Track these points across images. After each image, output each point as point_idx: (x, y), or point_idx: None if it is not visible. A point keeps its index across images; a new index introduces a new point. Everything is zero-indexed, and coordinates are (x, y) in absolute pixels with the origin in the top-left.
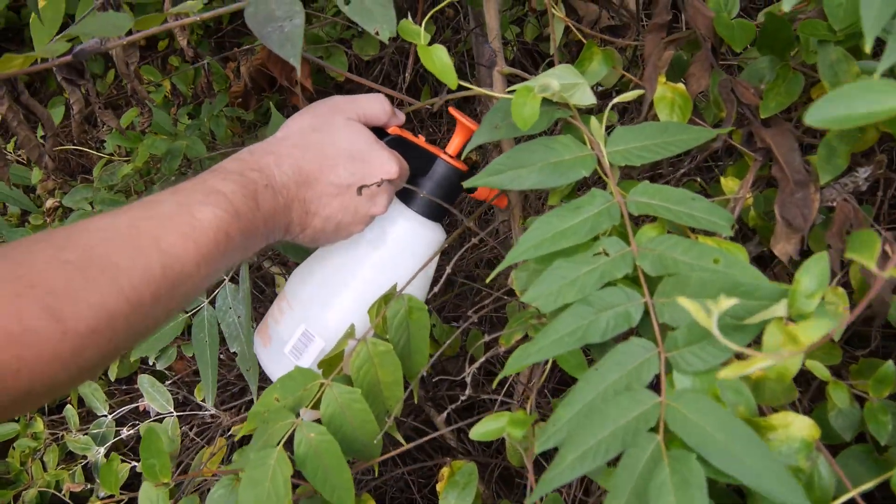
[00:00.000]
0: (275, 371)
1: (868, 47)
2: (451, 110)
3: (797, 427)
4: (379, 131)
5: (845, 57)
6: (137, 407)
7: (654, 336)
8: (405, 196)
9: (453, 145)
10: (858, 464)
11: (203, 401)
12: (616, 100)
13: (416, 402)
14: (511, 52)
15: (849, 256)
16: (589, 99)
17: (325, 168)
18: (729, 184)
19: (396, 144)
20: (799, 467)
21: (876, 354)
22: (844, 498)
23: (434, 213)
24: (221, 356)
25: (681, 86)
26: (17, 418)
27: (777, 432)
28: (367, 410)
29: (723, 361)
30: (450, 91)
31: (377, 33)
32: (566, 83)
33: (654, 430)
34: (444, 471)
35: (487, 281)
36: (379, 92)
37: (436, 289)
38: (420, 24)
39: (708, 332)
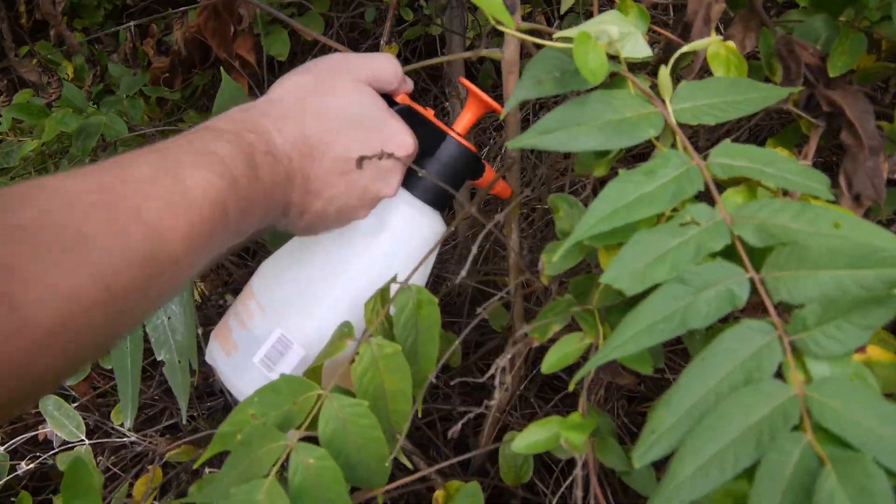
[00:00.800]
0: (241, 385)
1: None
2: (463, 80)
3: None
4: (385, 99)
5: None
6: (36, 436)
7: (769, 316)
8: (407, 179)
9: (462, 123)
10: None
11: (121, 425)
12: (686, 48)
13: (419, 415)
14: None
15: None
16: (644, 50)
17: (330, 138)
18: (780, 153)
19: (405, 116)
20: None
21: None
22: None
23: (437, 200)
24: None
25: (731, 43)
26: None
27: None
28: (376, 426)
29: (864, 341)
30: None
31: None
32: (621, 31)
33: (797, 428)
34: (439, 494)
35: (540, 266)
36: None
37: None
38: None
39: (850, 307)
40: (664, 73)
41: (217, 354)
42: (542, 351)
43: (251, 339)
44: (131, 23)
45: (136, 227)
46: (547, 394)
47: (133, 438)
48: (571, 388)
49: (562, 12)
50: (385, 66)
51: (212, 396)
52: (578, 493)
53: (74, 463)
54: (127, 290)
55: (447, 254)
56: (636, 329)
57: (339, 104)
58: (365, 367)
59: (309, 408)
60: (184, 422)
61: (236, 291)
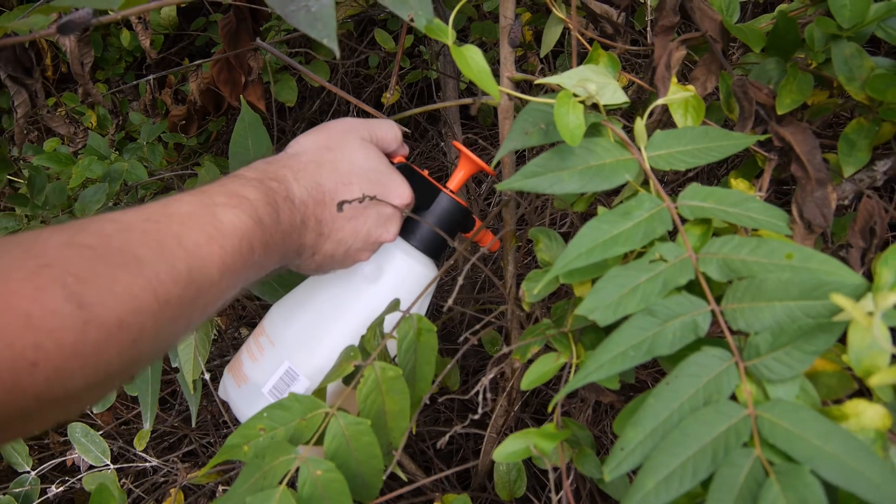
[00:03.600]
0: (250, 413)
1: None
2: (456, 144)
3: (869, 416)
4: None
5: (859, 52)
6: (64, 461)
7: (726, 345)
8: (403, 229)
9: (455, 180)
10: None
11: (143, 451)
12: (660, 101)
13: (413, 433)
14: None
15: None
16: (621, 97)
17: (340, 187)
18: (739, 185)
19: (404, 173)
20: None
21: None
22: None
23: (432, 249)
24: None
25: (691, 87)
26: None
27: (850, 422)
28: (375, 444)
29: (809, 365)
30: (467, 94)
31: (412, 20)
32: (599, 83)
33: (748, 444)
34: None
35: (522, 294)
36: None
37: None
38: (447, 23)
39: (797, 335)
40: (640, 124)
41: (229, 386)
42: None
43: (261, 371)
44: (151, 76)
45: (179, 252)
46: (542, 415)
47: (154, 464)
48: (550, 409)
49: (541, 55)
50: (387, 130)
51: (227, 426)
52: (553, 496)
53: (100, 487)
54: (172, 304)
55: (447, 284)
56: (609, 356)
57: (349, 159)
58: (369, 388)
59: (317, 424)
60: (193, 416)
61: (249, 324)
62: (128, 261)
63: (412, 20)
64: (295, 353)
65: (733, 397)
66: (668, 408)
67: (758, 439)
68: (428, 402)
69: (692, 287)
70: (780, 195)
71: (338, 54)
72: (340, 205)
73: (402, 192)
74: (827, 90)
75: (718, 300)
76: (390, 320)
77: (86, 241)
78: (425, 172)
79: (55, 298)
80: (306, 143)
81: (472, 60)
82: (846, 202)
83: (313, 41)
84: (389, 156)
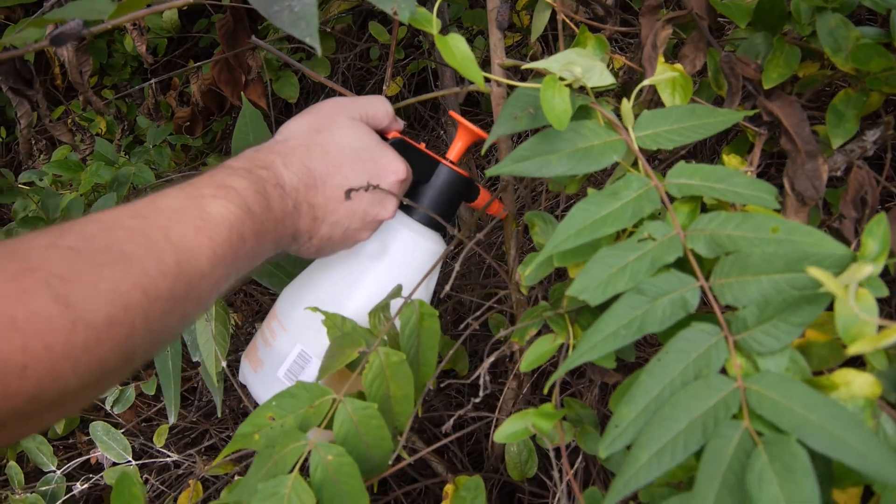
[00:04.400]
0: (267, 397)
1: None
2: (452, 114)
3: (858, 384)
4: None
5: (844, 23)
6: (88, 460)
7: (715, 320)
8: (406, 204)
9: (454, 151)
10: None
11: (164, 447)
12: (646, 82)
13: (419, 416)
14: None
15: None
16: (608, 78)
17: (331, 170)
18: (732, 161)
19: (400, 147)
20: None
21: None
22: None
23: (435, 222)
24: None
25: (679, 65)
26: None
27: (839, 391)
28: (384, 427)
29: (796, 337)
30: (461, 83)
31: (395, 13)
32: (585, 65)
33: (737, 416)
34: (448, 488)
35: (519, 277)
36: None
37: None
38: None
39: (783, 307)
40: (626, 105)
41: (247, 372)
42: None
43: (275, 355)
44: (152, 80)
45: (167, 246)
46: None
47: (175, 458)
48: (546, 390)
49: (532, 40)
50: (377, 106)
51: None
52: (555, 473)
53: (122, 477)
54: (163, 298)
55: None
56: (601, 336)
57: (339, 140)
58: (374, 374)
59: (325, 411)
60: (219, 408)
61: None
62: (114, 258)
63: (395, 13)
64: (306, 336)
65: (724, 371)
66: (659, 384)
67: (746, 411)
68: (441, 386)
69: (682, 264)
70: (779, 168)
71: (318, 52)
72: (348, 193)
73: (395, 168)
74: (818, 62)
75: (708, 276)
76: (396, 304)
77: (70, 243)
78: (422, 145)
79: (41, 300)
80: (294, 128)
81: (455, 49)
82: (839, 173)
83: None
84: (382, 132)
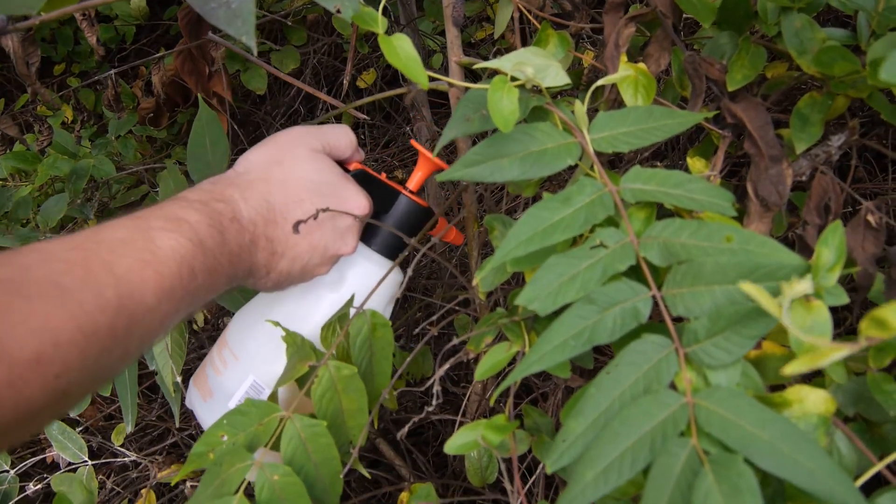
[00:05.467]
0: None
1: None
2: (414, 143)
3: (812, 401)
4: (340, 166)
5: (810, 24)
6: (45, 459)
7: (667, 331)
8: (364, 234)
9: (414, 180)
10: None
11: (121, 446)
12: (601, 81)
13: (376, 427)
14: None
15: None
16: (563, 79)
17: (291, 204)
18: (696, 164)
19: (360, 180)
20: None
21: (854, 331)
22: (872, 472)
23: (394, 253)
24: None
25: (642, 65)
26: None
27: (792, 408)
28: (332, 445)
29: (749, 350)
30: (403, 81)
31: (338, 11)
32: (538, 65)
33: (685, 433)
34: (403, 496)
35: (475, 283)
36: (315, 96)
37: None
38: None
39: (735, 319)
40: (579, 106)
41: (195, 399)
42: (511, 363)
43: (226, 385)
44: (111, 71)
45: (108, 279)
46: (519, 398)
47: (132, 459)
48: (492, 402)
49: (495, 37)
50: (340, 137)
51: None
52: (508, 485)
53: (61, 489)
54: (100, 334)
55: (420, 270)
56: (550, 346)
57: (300, 174)
58: (324, 388)
59: (273, 429)
60: (176, 417)
61: (231, 315)
62: (47, 291)
63: (338, 11)
64: (259, 366)
65: (674, 385)
66: (608, 397)
67: (694, 428)
68: (407, 386)
69: (635, 273)
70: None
71: (255, 51)
72: (296, 226)
73: (357, 204)
74: (787, 62)
75: (661, 286)
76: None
77: (4, 274)
78: (383, 176)
79: None
80: (254, 159)
81: (400, 49)
82: (804, 178)
83: (285, 27)
84: (344, 162)
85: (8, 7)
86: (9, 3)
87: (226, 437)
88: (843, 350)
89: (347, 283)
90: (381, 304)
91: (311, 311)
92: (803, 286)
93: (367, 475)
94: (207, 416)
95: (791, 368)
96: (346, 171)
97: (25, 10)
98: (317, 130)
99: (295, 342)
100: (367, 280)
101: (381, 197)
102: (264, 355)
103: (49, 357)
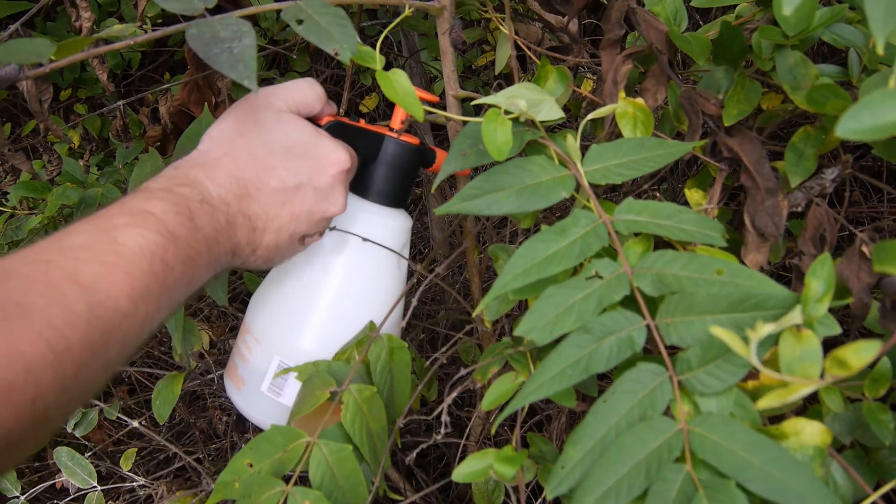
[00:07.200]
0: (256, 415)
1: (880, 48)
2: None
3: (809, 433)
4: (312, 122)
5: (803, 60)
6: (54, 484)
7: (662, 359)
8: (358, 187)
9: (397, 119)
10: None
11: (130, 470)
12: (592, 115)
13: (399, 445)
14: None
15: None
16: (557, 113)
17: (263, 174)
18: (694, 195)
19: (337, 131)
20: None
21: None
22: (868, 501)
23: (395, 198)
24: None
25: (640, 100)
26: None
27: (789, 440)
28: (358, 471)
29: (741, 378)
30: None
31: (336, 53)
32: (532, 99)
33: (680, 459)
34: None
35: (475, 313)
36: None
37: (403, 322)
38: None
39: (726, 349)
40: (571, 141)
41: (231, 390)
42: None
43: (254, 370)
44: (119, 102)
45: (74, 290)
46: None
47: (140, 482)
48: (493, 431)
49: (496, 72)
50: (306, 91)
51: (217, 439)
52: None
53: None
54: (74, 350)
55: (423, 296)
56: (548, 375)
57: (267, 140)
58: (353, 412)
59: (298, 455)
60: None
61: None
62: (10, 313)
63: (337, 53)
64: (282, 346)
65: (669, 412)
66: (605, 425)
67: (689, 454)
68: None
69: (629, 302)
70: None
71: (255, 93)
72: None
73: (335, 159)
74: (782, 94)
75: (655, 315)
76: (371, 309)
77: None
78: (362, 122)
79: None
80: (216, 134)
81: (397, 84)
82: (799, 209)
83: (289, 51)
84: (315, 118)
85: (19, 56)
86: (20, 52)
87: (252, 466)
88: (810, 386)
89: (351, 243)
90: (394, 255)
91: (321, 280)
92: (766, 328)
93: (399, 497)
94: (245, 405)
95: (763, 403)
96: (318, 126)
97: (37, 59)
98: (278, 89)
99: (307, 371)
100: (373, 234)
101: (365, 145)
102: (285, 334)
103: (21, 384)
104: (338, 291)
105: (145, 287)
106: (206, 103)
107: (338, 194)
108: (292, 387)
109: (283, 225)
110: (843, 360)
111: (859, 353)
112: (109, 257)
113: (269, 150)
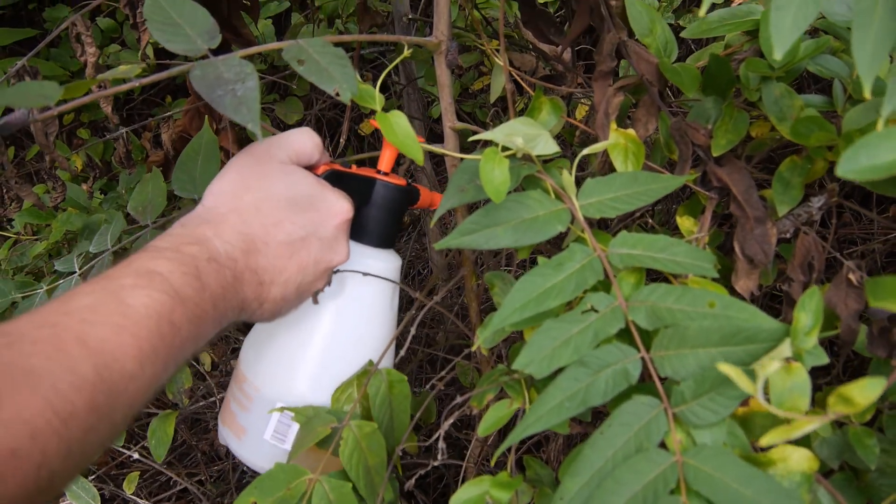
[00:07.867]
0: (260, 462)
1: (867, 92)
2: (373, 122)
3: (796, 460)
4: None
5: (788, 92)
6: None
7: (657, 392)
8: (353, 232)
9: (384, 161)
10: (842, 492)
11: (133, 493)
12: (585, 151)
13: (400, 473)
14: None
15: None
16: (552, 147)
17: (270, 228)
18: (685, 223)
19: (334, 180)
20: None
21: (836, 382)
22: None
23: (387, 239)
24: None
25: (631, 131)
26: None
27: (777, 467)
28: None
29: (733, 410)
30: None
31: (337, 94)
32: (528, 134)
33: (675, 491)
34: None
35: (474, 348)
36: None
37: (402, 352)
38: (375, 87)
39: (719, 381)
40: (567, 176)
41: (229, 438)
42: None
43: (256, 419)
44: (122, 130)
45: (81, 353)
46: (521, 442)
47: None
48: (493, 463)
49: (491, 101)
50: (304, 141)
51: (219, 461)
52: None
53: None
54: (80, 415)
55: (425, 316)
56: (546, 408)
57: (272, 194)
58: (351, 448)
59: (301, 492)
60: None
61: None
62: (16, 378)
63: (337, 94)
64: (283, 392)
65: (664, 444)
66: (602, 457)
67: (683, 486)
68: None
69: (625, 335)
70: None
71: (259, 138)
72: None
73: (339, 209)
74: (770, 122)
75: (649, 348)
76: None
77: None
78: (353, 168)
79: None
80: (222, 189)
81: (397, 126)
82: (788, 236)
83: (289, 78)
84: (313, 167)
85: (28, 101)
86: (28, 96)
87: None
88: (814, 423)
89: (348, 286)
90: (388, 294)
91: (316, 322)
92: (773, 366)
93: None
94: (248, 454)
95: (766, 440)
96: (318, 177)
97: (45, 102)
98: (280, 140)
99: (307, 414)
100: (364, 277)
101: (358, 190)
102: (285, 380)
103: (27, 450)
104: (332, 332)
105: (152, 348)
106: (206, 118)
107: (342, 244)
108: (294, 432)
109: (291, 277)
110: (849, 397)
111: (865, 391)
112: (116, 319)
113: (275, 204)
